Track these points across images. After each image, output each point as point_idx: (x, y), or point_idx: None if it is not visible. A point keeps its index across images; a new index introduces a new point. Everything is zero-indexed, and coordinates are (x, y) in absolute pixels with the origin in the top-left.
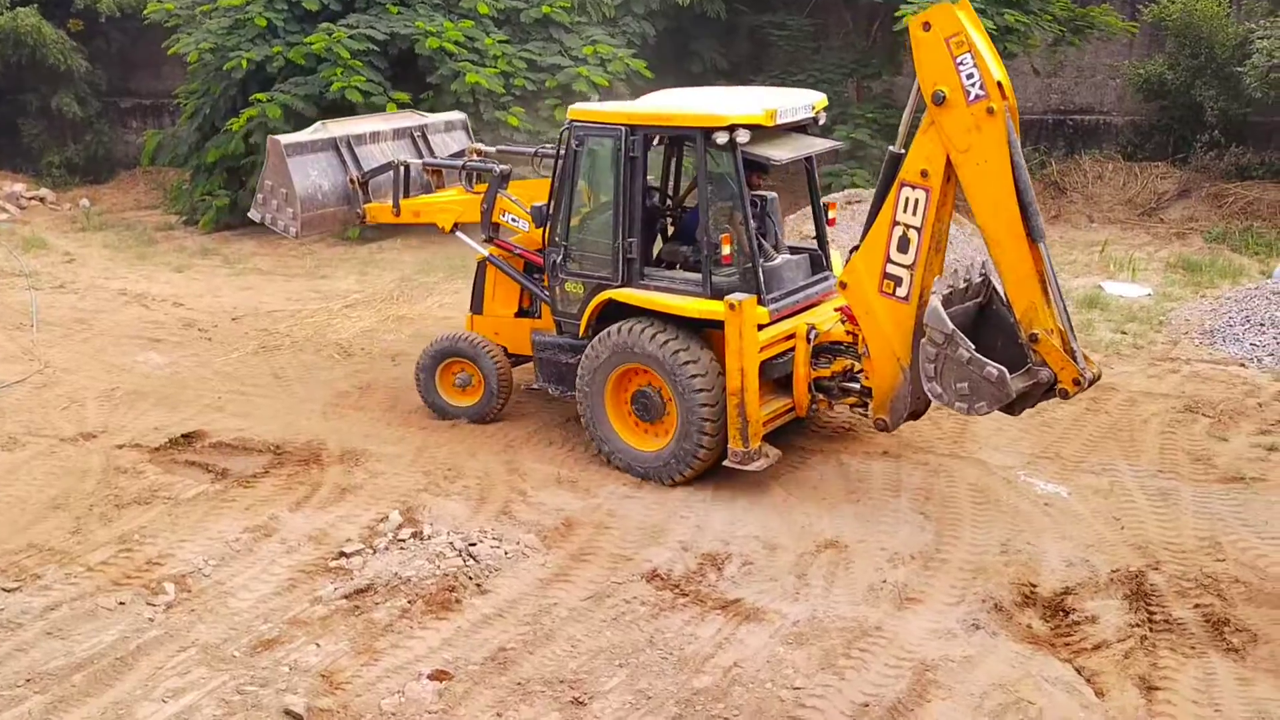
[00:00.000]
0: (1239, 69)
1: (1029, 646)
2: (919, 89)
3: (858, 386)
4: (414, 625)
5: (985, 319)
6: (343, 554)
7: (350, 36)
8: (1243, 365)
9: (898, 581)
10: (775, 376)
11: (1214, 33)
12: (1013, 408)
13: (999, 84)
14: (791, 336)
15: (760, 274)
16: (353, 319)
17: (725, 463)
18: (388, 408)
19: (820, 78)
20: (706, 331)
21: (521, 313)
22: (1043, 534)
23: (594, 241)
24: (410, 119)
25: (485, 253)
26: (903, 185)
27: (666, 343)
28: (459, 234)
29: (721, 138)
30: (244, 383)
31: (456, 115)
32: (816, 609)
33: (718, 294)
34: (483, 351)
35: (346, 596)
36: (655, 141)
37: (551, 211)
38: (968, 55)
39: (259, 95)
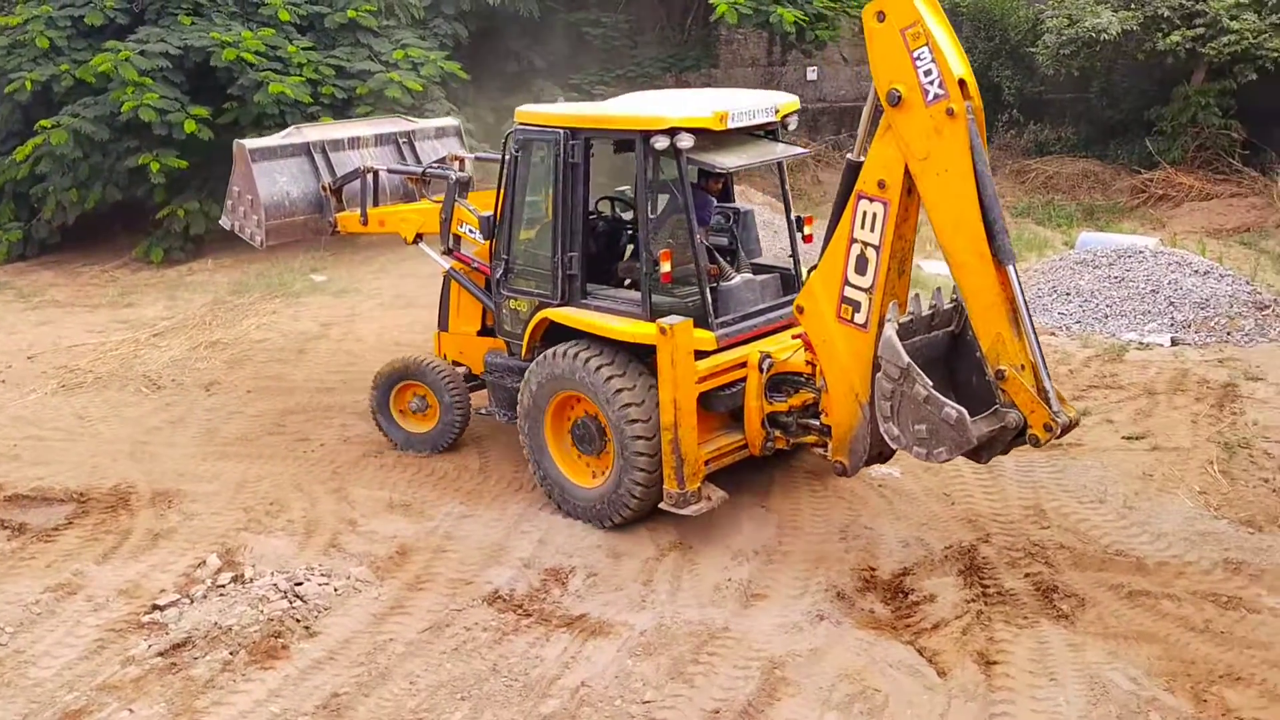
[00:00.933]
0: (1031, 49)
1: (872, 632)
2: (875, 88)
3: (818, 424)
4: (238, 678)
5: (959, 350)
6: (156, 607)
7: (140, 53)
8: (1053, 334)
9: (742, 579)
10: (726, 409)
11: (1006, 15)
12: (979, 454)
13: (961, 82)
14: (745, 365)
15: (708, 294)
16: (162, 348)
17: (660, 505)
18: (203, 441)
19: (639, 73)
20: (653, 359)
21: (485, 331)
22: (879, 516)
23: (535, 256)
24: (396, 125)
25: (447, 266)
26: (860, 197)
27: (600, 368)
28: (421, 245)
29: (661, 142)
30: (42, 426)
31: (450, 121)
32: (663, 616)
33: (658, 316)
34: (436, 373)
35: (162, 654)
36: (613, 148)
37: (496, 223)
38: (925, 49)
39: (44, 122)
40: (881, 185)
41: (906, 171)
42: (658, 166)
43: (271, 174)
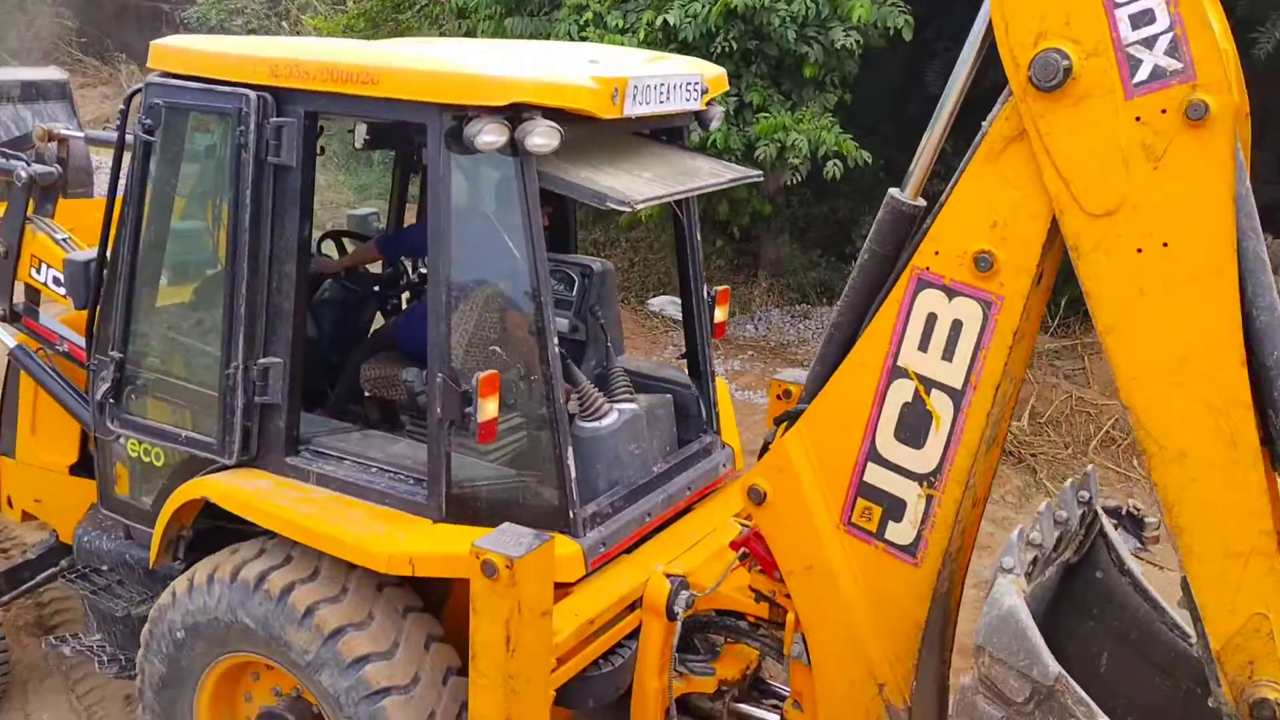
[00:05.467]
0: None
1: None
2: (989, 28)
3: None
4: None
5: (1072, 592)
6: None
7: None
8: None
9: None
10: (594, 702)
11: None
12: None
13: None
14: (635, 606)
15: (568, 457)
16: None
17: None
18: None
19: None
20: (432, 586)
21: (86, 464)
22: None
23: (185, 357)
24: None
25: (10, 342)
26: (919, 282)
27: (311, 612)
28: None
29: (490, 135)
30: None
31: (53, 74)
32: None
33: (460, 509)
34: None
35: None
36: (364, 135)
37: (100, 277)
38: None
39: None
40: (984, 262)
41: (1052, 234)
42: (478, 179)
43: None
